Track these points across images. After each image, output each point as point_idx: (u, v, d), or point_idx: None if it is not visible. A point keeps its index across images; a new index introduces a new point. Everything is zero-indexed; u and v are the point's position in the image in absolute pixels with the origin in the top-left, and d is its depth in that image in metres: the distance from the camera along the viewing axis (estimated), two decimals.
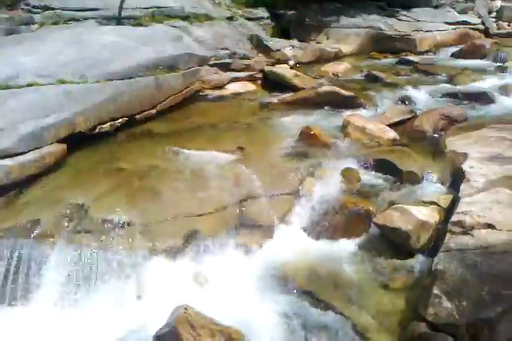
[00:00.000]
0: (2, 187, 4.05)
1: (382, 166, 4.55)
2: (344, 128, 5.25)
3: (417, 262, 3.55)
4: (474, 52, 9.12)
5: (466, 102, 6.27)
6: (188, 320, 2.83)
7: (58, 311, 3.29)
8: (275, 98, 6.69)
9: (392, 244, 3.70)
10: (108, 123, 5.19)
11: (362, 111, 6.02)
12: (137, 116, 5.59)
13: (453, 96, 6.48)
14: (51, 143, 4.51)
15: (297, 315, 3.19)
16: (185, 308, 2.94)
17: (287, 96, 6.63)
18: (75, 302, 3.33)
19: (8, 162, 4.11)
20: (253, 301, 3.29)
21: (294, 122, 5.66)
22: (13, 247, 3.51)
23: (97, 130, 5.07)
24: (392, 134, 5.17)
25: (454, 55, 9.49)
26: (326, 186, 4.25)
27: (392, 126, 5.42)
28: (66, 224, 3.68)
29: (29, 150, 4.30)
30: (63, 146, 4.61)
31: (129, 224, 3.69)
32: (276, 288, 3.41)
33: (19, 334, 3.15)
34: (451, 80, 7.36)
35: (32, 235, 3.59)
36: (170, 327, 2.80)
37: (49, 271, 3.44)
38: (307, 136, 5.02)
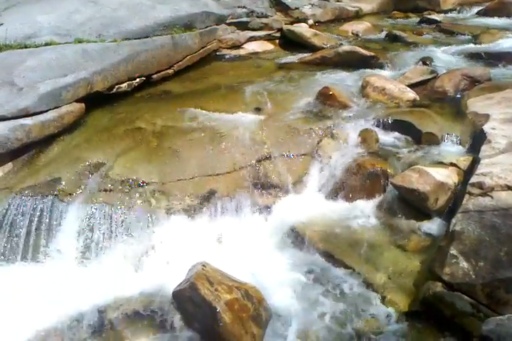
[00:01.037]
0: (23, 146, 4.07)
1: (401, 127, 4.44)
2: (363, 88, 5.11)
3: (434, 224, 3.52)
4: (501, 9, 8.71)
5: (490, 62, 6.02)
6: (206, 277, 2.87)
7: (78, 266, 3.36)
8: (293, 58, 6.53)
9: (410, 205, 3.66)
10: (125, 83, 5.14)
11: (382, 72, 5.83)
12: (154, 76, 5.52)
13: (476, 56, 6.22)
14: (70, 103, 4.48)
15: (312, 273, 3.22)
16: (203, 265, 2.97)
17: (306, 55, 6.45)
18: (94, 258, 3.38)
19: (28, 121, 4.11)
20: (269, 259, 3.32)
21: (312, 82, 5.52)
22: (35, 204, 3.56)
23: (114, 90, 5.02)
24: (412, 95, 5.02)
25: (479, 14, 9.09)
26: (344, 147, 4.18)
27: (413, 86, 5.25)
28: (85, 182, 3.71)
29: (48, 110, 4.28)
30: (81, 106, 4.58)
31: (147, 183, 3.71)
32: (292, 247, 3.43)
33: (41, 288, 3.24)
34: (475, 39, 7.08)
35: (53, 193, 3.64)
36: (189, 282, 2.84)
37: (69, 228, 3.49)
38: (325, 97, 4.91)
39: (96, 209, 3.50)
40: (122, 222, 3.45)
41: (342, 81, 5.57)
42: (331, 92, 4.92)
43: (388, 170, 3.89)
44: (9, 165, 4.08)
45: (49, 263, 3.40)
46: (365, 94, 5.02)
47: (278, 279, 3.15)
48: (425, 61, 5.99)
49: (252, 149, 4.12)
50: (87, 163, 3.90)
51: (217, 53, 6.67)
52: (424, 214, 3.58)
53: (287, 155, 4.12)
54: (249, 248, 3.41)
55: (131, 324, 2.92)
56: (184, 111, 4.75)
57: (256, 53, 6.89)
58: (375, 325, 2.85)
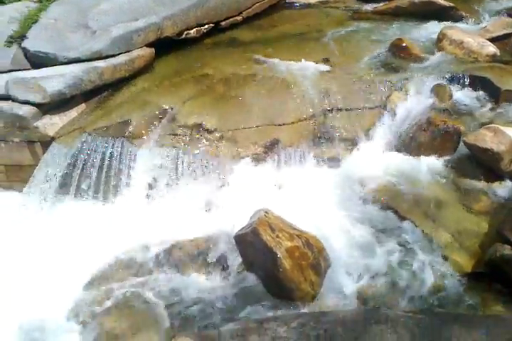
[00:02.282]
0: (95, 87, 4.11)
1: (477, 83, 4.11)
2: (439, 41, 4.74)
3: (506, 186, 3.31)
4: None
5: None
6: (268, 223, 2.85)
7: (146, 205, 3.44)
8: (365, 7, 6.12)
9: (481, 165, 3.44)
10: (194, 29, 5.03)
11: (461, 24, 5.38)
12: (223, 23, 5.36)
13: None
14: (140, 47, 4.45)
15: (374, 227, 3.14)
16: (266, 212, 2.95)
17: (379, 5, 6.03)
18: (161, 198, 3.45)
19: (100, 64, 4.13)
20: (331, 210, 3.25)
21: (384, 33, 5.19)
22: (106, 145, 3.63)
23: (183, 36, 4.93)
24: (492, 49, 4.61)
25: None
26: (415, 101, 3.94)
27: (494, 40, 4.81)
28: (154, 125, 3.72)
29: (120, 53, 4.27)
30: (151, 51, 4.54)
31: (213, 129, 3.68)
32: (355, 200, 3.33)
33: (112, 224, 3.36)
34: None
35: (123, 135, 3.68)
36: (251, 227, 2.84)
37: (138, 169, 3.55)
38: (398, 49, 4.61)
39: (164, 152, 3.52)
40: (189, 166, 3.46)
41: (416, 33, 5.20)
42: (404, 44, 4.62)
43: (461, 128, 3.65)
44: (82, 106, 4.16)
45: (119, 201, 3.50)
46: (440, 48, 4.67)
47: (339, 231, 3.09)
48: (510, 13, 5.47)
49: (318, 100, 3.97)
50: (156, 108, 3.90)
51: (287, 1, 6.37)
52: (496, 176, 3.37)
53: (355, 108, 3.94)
54: (311, 199, 3.34)
55: (194, 262, 2.98)
56: (252, 59, 4.62)
57: (326, 2, 6.51)
58: (436, 284, 2.76)
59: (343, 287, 2.80)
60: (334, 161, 3.64)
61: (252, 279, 2.83)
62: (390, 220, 3.17)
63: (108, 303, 2.77)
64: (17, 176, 4.01)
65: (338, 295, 2.76)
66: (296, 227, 2.89)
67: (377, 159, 3.61)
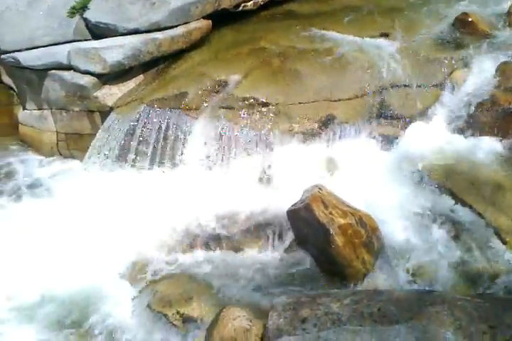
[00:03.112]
0: (153, 59, 4.13)
1: None
2: (509, 16, 4.44)
3: None
4: None
5: None
6: (321, 199, 2.80)
7: (201, 176, 3.46)
8: None
9: None
10: (251, 2, 4.91)
11: None
12: None
13: None
14: (197, 19, 4.40)
15: (430, 208, 3.03)
16: (320, 188, 2.90)
17: None
18: (215, 170, 3.46)
19: (158, 35, 4.12)
20: (386, 190, 3.15)
21: (448, 7, 4.90)
22: (163, 116, 3.65)
23: (240, 8, 4.84)
24: None
25: None
26: (478, 80, 3.72)
27: None
28: (210, 98, 3.70)
29: (178, 25, 4.25)
30: (209, 23, 4.48)
31: (269, 103, 3.62)
32: (410, 180, 3.21)
33: (168, 193, 3.41)
34: None
35: (180, 106, 3.68)
36: (304, 203, 2.80)
37: (192, 140, 3.56)
38: (463, 24, 4.34)
39: (219, 124, 3.50)
40: (243, 139, 3.43)
41: (483, 7, 4.89)
42: (470, 19, 4.34)
43: None
44: (140, 78, 4.19)
45: (174, 171, 3.53)
46: (510, 23, 4.38)
47: (393, 210, 3.00)
48: None
49: (377, 76, 3.82)
50: (212, 80, 3.87)
51: None
52: None
53: (414, 85, 3.77)
54: (366, 177, 3.25)
55: (247, 235, 2.99)
56: (309, 33, 4.48)
57: None
58: (494, 269, 2.66)
59: (395, 267, 2.74)
60: (390, 139, 3.51)
61: (303, 254, 2.82)
62: (445, 201, 3.04)
63: (162, 270, 2.83)
64: (77, 144, 4.13)
65: (390, 275, 2.70)
66: (350, 205, 2.84)
67: (434, 138, 3.46)
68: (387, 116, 3.61)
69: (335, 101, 3.68)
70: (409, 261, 2.76)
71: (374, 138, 3.52)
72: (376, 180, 3.24)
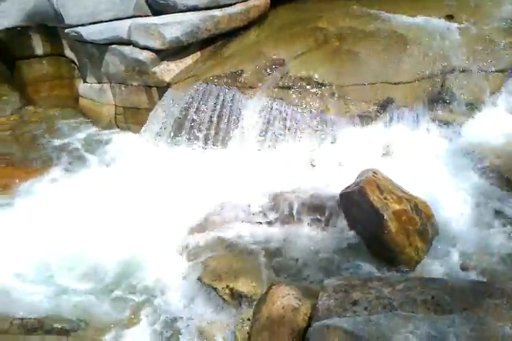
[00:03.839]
0: (211, 36, 4.10)
1: None
2: None
3: None
4: None
5: None
6: (376, 183, 2.73)
7: (252, 155, 3.44)
8: None
9: None
10: None
11: None
12: None
13: None
14: None
15: (488, 198, 2.90)
16: (375, 172, 2.82)
17: None
18: (268, 149, 3.43)
19: (217, 12, 4.08)
20: (443, 178, 3.04)
21: None
22: (219, 94, 3.63)
23: None
24: None
25: None
26: None
27: None
28: (266, 77, 3.65)
29: (236, 3, 4.19)
30: (267, 1, 4.41)
31: (325, 84, 3.54)
32: (470, 169, 3.08)
33: (218, 170, 3.42)
34: None
35: (235, 84, 3.66)
36: (358, 186, 2.73)
37: (246, 119, 3.53)
38: None
39: (274, 104, 3.46)
40: (297, 119, 3.38)
41: None
42: None
43: None
44: (198, 55, 4.18)
45: (226, 149, 3.54)
46: None
47: (450, 199, 2.90)
48: None
49: (439, 59, 3.66)
50: (269, 59, 3.81)
51: None
52: None
53: (479, 70, 3.58)
54: (424, 163, 3.15)
55: (298, 215, 2.96)
56: (368, 13, 4.33)
57: None
58: None
59: (449, 257, 2.65)
60: (451, 126, 3.37)
61: (354, 238, 2.76)
62: (507, 193, 2.90)
63: (213, 246, 2.85)
64: (134, 118, 4.19)
65: (443, 264, 2.61)
66: (406, 191, 2.75)
67: (499, 126, 3.29)
68: (449, 102, 3.46)
69: (394, 84, 3.56)
70: (463, 250, 2.67)
71: (433, 123, 3.39)
72: (434, 167, 3.12)
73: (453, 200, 2.90)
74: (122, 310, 2.65)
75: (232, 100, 3.57)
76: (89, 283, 2.82)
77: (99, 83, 4.37)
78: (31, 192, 3.54)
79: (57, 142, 4.23)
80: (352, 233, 2.79)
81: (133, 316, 2.61)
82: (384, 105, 3.44)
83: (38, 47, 4.65)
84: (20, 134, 4.36)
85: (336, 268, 2.63)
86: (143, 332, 2.49)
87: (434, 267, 2.60)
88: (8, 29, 4.54)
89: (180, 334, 2.44)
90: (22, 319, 2.59)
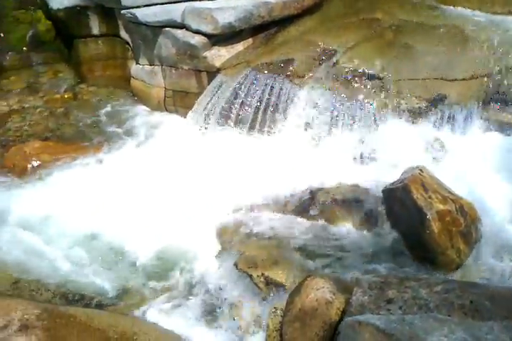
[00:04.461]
0: (264, 23, 4.06)
1: None
2: None
3: None
4: None
5: None
6: (421, 182, 2.66)
7: (298, 146, 3.42)
8: None
9: None
10: None
11: None
12: None
13: None
14: None
15: None
16: (421, 170, 2.75)
17: None
18: (315, 141, 3.40)
19: None
20: (493, 181, 2.93)
21: None
22: (267, 82, 3.61)
23: None
24: None
25: None
26: None
27: None
28: (316, 67, 3.60)
29: None
30: None
31: (376, 77, 3.46)
32: None
33: (262, 158, 3.43)
34: None
35: (285, 72, 3.62)
36: (402, 183, 2.68)
37: (294, 108, 3.50)
38: None
39: (323, 94, 3.41)
40: (346, 112, 3.33)
41: None
42: None
43: None
44: (249, 41, 4.16)
45: (273, 138, 3.53)
46: None
47: (498, 204, 2.79)
48: None
49: (499, 57, 3.50)
50: (320, 49, 3.76)
51: None
52: None
53: None
54: (475, 164, 3.03)
55: (338, 209, 2.93)
56: (427, 5, 4.20)
57: None
58: None
59: (492, 262, 2.57)
60: (506, 127, 3.22)
61: (394, 235, 2.71)
62: None
63: (251, 233, 2.86)
64: (182, 102, 4.23)
65: (485, 269, 2.53)
66: (452, 191, 2.67)
67: None
68: (507, 102, 3.31)
69: (448, 80, 3.43)
70: (508, 256, 2.58)
71: (488, 123, 3.25)
72: (486, 169, 3.00)
73: (501, 205, 2.79)
74: (156, 291, 2.71)
75: (280, 89, 3.54)
76: (124, 262, 2.90)
77: (150, 65, 4.42)
78: (75, 170, 3.64)
79: (105, 121, 4.33)
80: (392, 230, 2.74)
81: (167, 298, 2.65)
82: (436, 102, 3.33)
83: (95, 27, 4.75)
84: (71, 111, 4.49)
85: (372, 264, 2.59)
86: (177, 314, 2.54)
87: (475, 271, 2.52)
88: (67, 8, 4.66)
89: (216, 318, 2.48)
90: (63, 290, 2.71)
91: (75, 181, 3.47)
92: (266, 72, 3.65)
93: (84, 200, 3.26)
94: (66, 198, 3.29)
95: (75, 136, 4.12)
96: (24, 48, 5.02)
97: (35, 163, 3.67)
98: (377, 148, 3.23)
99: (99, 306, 2.62)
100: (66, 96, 4.68)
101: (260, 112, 3.57)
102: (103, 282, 2.77)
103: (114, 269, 2.85)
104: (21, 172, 3.66)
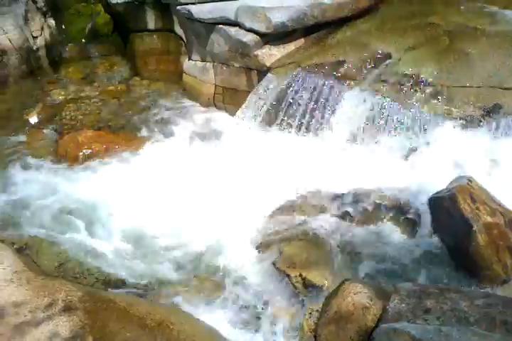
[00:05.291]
0: (317, 24, 4.04)
1: None
2: None
3: None
4: None
5: None
6: (469, 192, 2.59)
7: (345, 148, 3.40)
8: None
9: None
10: None
11: None
12: None
13: None
14: None
15: None
16: (470, 180, 2.68)
17: None
18: (360, 144, 3.36)
19: (326, 0, 4.00)
20: None
21: None
22: (317, 82, 3.59)
23: None
24: None
25: None
26: None
27: None
28: (368, 70, 3.55)
29: None
30: None
31: (429, 83, 3.38)
32: None
33: (306, 159, 3.41)
34: None
35: (335, 74, 3.60)
36: (450, 193, 2.62)
37: (342, 111, 3.47)
38: None
39: (373, 98, 3.36)
40: (395, 116, 3.27)
41: None
42: None
43: None
44: (301, 41, 4.15)
45: (318, 139, 3.51)
46: None
47: None
48: None
49: None
50: (373, 52, 3.70)
51: None
52: None
53: None
54: None
55: (380, 213, 2.90)
56: (488, 11, 4.06)
57: None
58: None
59: None
60: None
61: (437, 244, 2.65)
62: None
63: (291, 233, 2.86)
64: (232, 99, 4.26)
65: None
66: (502, 204, 2.58)
67: None
68: None
69: (505, 89, 3.31)
70: None
71: None
72: None
73: None
74: (194, 285, 2.75)
75: (330, 90, 3.51)
76: (166, 255, 2.96)
77: (202, 61, 4.48)
78: (124, 160, 3.74)
79: (155, 114, 4.41)
80: (436, 239, 2.68)
81: (204, 291, 2.70)
82: (491, 111, 3.22)
83: (151, 21, 4.85)
84: (124, 103, 4.61)
85: (412, 272, 2.54)
86: (213, 308, 2.58)
87: None
88: (126, 2, 4.78)
89: (250, 315, 2.51)
90: (105, 276, 2.80)
91: (123, 171, 3.57)
92: (316, 73, 3.63)
93: (131, 191, 3.34)
94: (113, 187, 3.39)
95: (125, 128, 4.23)
96: (83, 40, 5.21)
97: (87, 152, 3.80)
98: (426, 155, 3.15)
99: (139, 294, 2.69)
100: (120, 88, 4.81)
101: (308, 113, 3.56)
102: (143, 271, 2.85)
103: (155, 260, 2.93)
104: (73, 160, 3.79)
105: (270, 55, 4.01)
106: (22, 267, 2.62)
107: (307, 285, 2.50)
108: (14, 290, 2.46)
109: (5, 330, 2.28)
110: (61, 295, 2.48)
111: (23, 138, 4.12)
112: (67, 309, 2.41)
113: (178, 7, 4.43)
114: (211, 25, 4.24)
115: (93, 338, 2.27)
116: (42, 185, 3.53)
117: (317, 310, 2.31)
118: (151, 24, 4.86)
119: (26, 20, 4.87)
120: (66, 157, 3.82)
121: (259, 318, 2.52)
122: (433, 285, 2.32)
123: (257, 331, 2.49)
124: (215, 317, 2.53)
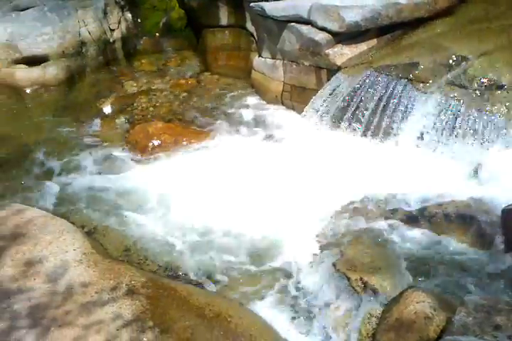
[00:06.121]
0: (391, 24, 3.92)
1: None
2: None
3: None
4: None
5: None
6: None
7: (411, 154, 3.30)
8: None
9: None
10: None
11: None
12: None
13: None
14: None
15: None
16: None
17: None
18: (430, 150, 3.25)
19: (402, 0, 3.87)
20: None
21: None
22: (388, 84, 3.50)
23: None
24: None
25: None
26: None
27: None
28: (443, 73, 3.41)
29: None
30: None
31: (508, 89, 3.20)
32: None
33: (372, 163, 3.35)
34: None
35: (408, 76, 3.48)
36: None
37: (414, 115, 3.36)
38: None
39: (447, 102, 3.23)
40: (469, 122, 3.12)
41: None
42: None
43: None
44: (374, 41, 4.04)
45: (385, 143, 3.42)
46: None
47: None
48: None
49: None
50: (449, 54, 3.54)
51: None
52: None
53: None
54: None
55: (449, 223, 2.78)
56: None
57: None
58: None
59: None
60: None
61: (509, 259, 2.51)
62: None
63: (353, 236, 2.81)
64: (299, 97, 4.24)
65: None
66: None
67: None
68: None
69: None
70: None
71: None
72: None
73: None
74: (254, 282, 2.76)
75: (401, 92, 3.41)
76: (228, 249, 2.97)
77: (272, 58, 4.47)
78: (191, 153, 3.79)
79: (223, 109, 4.47)
80: (508, 254, 2.53)
81: (263, 289, 2.70)
82: None
83: (224, 17, 4.91)
84: (193, 97, 4.70)
85: (480, 286, 2.42)
86: (271, 305, 2.58)
87: None
88: None
89: (308, 316, 2.48)
90: (168, 264, 2.87)
91: (191, 164, 3.62)
92: (388, 74, 3.54)
93: (196, 183, 3.40)
94: (180, 178, 3.46)
95: (194, 121, 4.30)
96: (157, 34, 5.35)
97: (156, 142, 3.90)
98: (498, 163, 2.99)
99: (199, 285, 2.73)
100: (190, 82, 4.91)
101: (377, 115, 3.47)
102: (204, 262, 2.89)
103: (216, 253, 2.95)
104: (142, 150, 3.90)
105: (341, 54, 3.95)
106: (90, 249, 2.75)
107: (367, 289, 2.43)
108: (83, 271, 2.57)
109: (73, 308, 2.40)
110: (125, 279, 2.57)
111: (96, 126, 4.30)
112: (131, 293, 2.50)
113: (252, 4, 4.45)
114: (283, 23, 4.22)
115: (153, 323, 2.34)
116: (111, 172, 3.67)
117: (376, 316, 2.27)
118: (224, 20, 4.91)
119: (105, 13, 5.07)
120: (136, 146, 3.94)
121: (314, 318, 2.49)
122: (505, 300, 2.19)
123: (311, 331, 2.47)
124: (270, 313, 2.53)
